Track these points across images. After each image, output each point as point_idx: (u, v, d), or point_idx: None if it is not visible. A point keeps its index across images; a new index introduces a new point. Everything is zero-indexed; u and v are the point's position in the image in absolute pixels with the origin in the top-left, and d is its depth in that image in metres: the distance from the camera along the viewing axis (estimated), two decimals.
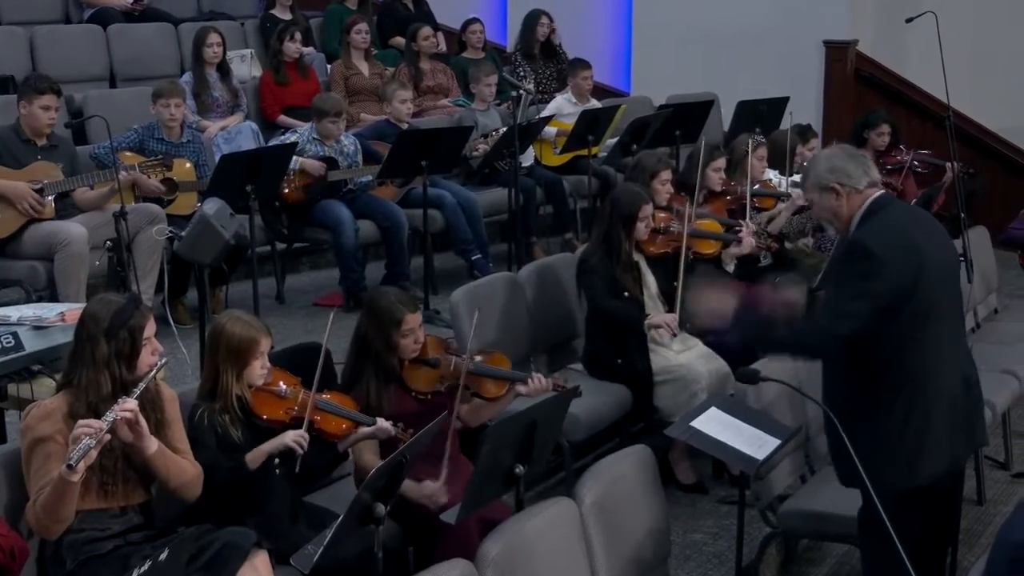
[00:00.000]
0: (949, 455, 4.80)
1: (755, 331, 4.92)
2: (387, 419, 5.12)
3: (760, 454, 5.08)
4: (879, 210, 4.73)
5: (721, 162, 7.88)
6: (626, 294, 6.71)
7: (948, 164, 9.08)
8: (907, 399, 4.67)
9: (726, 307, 4.92)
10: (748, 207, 7.57)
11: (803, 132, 8.70)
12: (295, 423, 4.94)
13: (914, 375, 4.67)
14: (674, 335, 6.66)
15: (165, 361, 4.69)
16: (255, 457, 4.85)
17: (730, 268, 7.00)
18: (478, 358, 5.57)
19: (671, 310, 6.68)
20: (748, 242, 7.12)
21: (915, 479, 4.71)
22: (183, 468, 4.63)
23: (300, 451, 4.84)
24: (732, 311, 4.89)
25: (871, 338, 4.62)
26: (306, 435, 4.86)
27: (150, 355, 4.59)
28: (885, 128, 9.43)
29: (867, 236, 4.66)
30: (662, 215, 7.02)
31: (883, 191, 4.81)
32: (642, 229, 6.77)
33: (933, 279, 4.65)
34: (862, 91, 11.79)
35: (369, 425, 5.07)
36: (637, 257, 6.87)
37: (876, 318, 4.57)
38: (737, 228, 7.22)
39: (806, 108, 10.79)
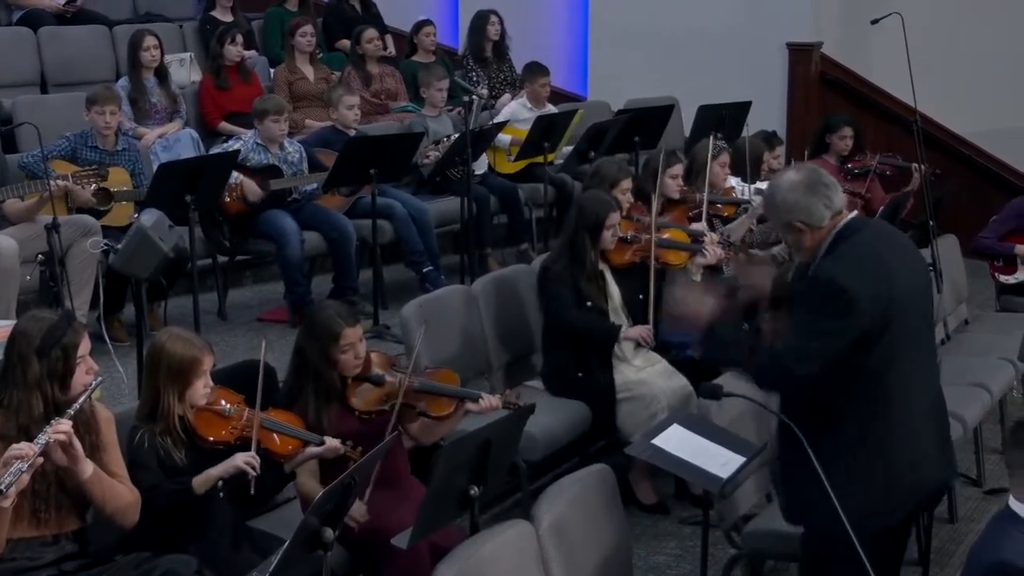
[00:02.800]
0: (918, 489, 4.61)
1: (721, 351, 4.74)
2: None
3: (724, 472, 4.97)
4: (849, 235, 4.49)
5: (678, 168, 7.81)
6: (589, 304, 6.62)
7: (914, 166, 9.02)
8: (874, 437, 4.45)
9: (703, 314, 4.71)
10: (705, 214, 7.46)
11: (768, 139, 8.66)
12: (241, 443, 4.84)
13: (882, 410, 4.44)
14: (651, 348, 6.60)
15: (100, 381, 4.62)
16: (203, 481, 4.75)
17: (696, 278, 6.88)
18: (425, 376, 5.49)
19: (636, 323, 6.64)
20: (715, 252, 6.99)
21: (883, 519, 4.51)
22: (120, 493, 4.54)
23: (253, 473, 4.74)
24: (707, 320, 4.69)
25: (837, 375, 4.39)
26: (257, 456, 4.76)
27: (84, 374, 4.52)
28: (847, 132, 9.37)
29: (836, 269, 4.41)
30: (626, 224, 6.94)
31: (852, 215, 4.59)
32: (608, 238, 6.70)
33: (907, 309, 4.45)
34: (827, 95, 11.76)
35: (317, 444, 4.99)
36: (602, 266, 6.78)
37: (843, 355, 4.35)
38: (701, 238, 7.10)
39: (770, 112, 10.80)
